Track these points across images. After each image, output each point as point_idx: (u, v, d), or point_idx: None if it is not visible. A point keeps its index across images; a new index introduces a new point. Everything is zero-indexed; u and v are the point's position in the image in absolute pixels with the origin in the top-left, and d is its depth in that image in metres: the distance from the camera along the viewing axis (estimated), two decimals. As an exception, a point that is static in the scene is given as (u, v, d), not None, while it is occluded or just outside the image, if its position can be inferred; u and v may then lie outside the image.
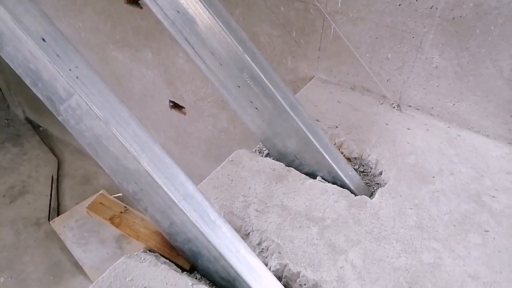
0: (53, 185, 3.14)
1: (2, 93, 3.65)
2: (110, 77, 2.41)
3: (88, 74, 0.77)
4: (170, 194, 0.79)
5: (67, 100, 0.79)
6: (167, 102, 2.25)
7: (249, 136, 1.99)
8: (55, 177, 3.23)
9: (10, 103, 3.72)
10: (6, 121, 3.70)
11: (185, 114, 2.22)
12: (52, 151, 3.48)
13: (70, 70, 0.76)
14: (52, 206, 2.99)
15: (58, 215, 2.94)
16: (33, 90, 0.85)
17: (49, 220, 2.88)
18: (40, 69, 0.78)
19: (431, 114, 1.31)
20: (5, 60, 0.85)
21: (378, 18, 1.23)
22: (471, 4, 1.06)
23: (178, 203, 0.79)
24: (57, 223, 2.82)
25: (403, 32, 1.21)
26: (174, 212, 0.81)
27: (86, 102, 0.76)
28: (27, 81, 0.84)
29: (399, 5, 1.17)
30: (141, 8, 1.90)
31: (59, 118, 0.86)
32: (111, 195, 3.10)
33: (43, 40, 0.75)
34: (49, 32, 0.76)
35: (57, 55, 0.76)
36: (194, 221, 0.79)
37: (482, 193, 1.06)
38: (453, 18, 1.11)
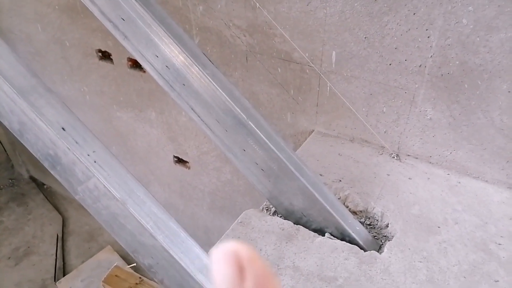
0: (58, 244, 3.13)
1: (7, 154, 3.71)
2: (114, 136, 2.47)
3: (105, 157, 0.82)
4: (186, 268, 0.81)
5: (85, 182, 0.83)
6: (171, 158, 2.30)
7: (253, 187, 2.02)
8: (60, 235, 3.22)
9: (15, 162, 3.77)
10: (10, 180, 3.74)
11: (189, 168, 2.27)
12: (57, 208, 3.49)
13: (88, 155, 0.81)
14: (57, 266, 2.96)
15: (64, 275, 2.90)
16: (51, 172, 0.90)
17: (55, 281, 2.84)
18: (60, 155, 0.83)
19: (430, 162, 1.36)
20: (25, 145, 0.90)
21: (371, 76, 1.30)
22: (457, 62, 1.13)
23: (194, 276, 0.81)
24: (63, 284, 2.78)
25: (396, 88, 1.28)
26: (191, 285, 0.83)
27: (104, 185, 0.80)
28: (46, 164, 0.89)
29: (390, 64, 1.25)
30: (144, 72, 2.00)
31: (76, 197, 0.90)
32: (116, 250, 3.08)
33: (63, 129, 0.81)
34: (68, 121, 0.82)
35: (76, 142, 0.81)
36: (211, 294, 0.81)
37: (488, 240, 1.09)
38: (442, 75, 1.18)
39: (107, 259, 2.99)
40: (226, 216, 2.32)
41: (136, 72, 2.03)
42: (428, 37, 1.14)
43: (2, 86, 0.81)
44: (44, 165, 0.89)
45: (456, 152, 1.29)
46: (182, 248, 0.82)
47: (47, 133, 0.80)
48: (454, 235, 1.10)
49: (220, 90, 1.08)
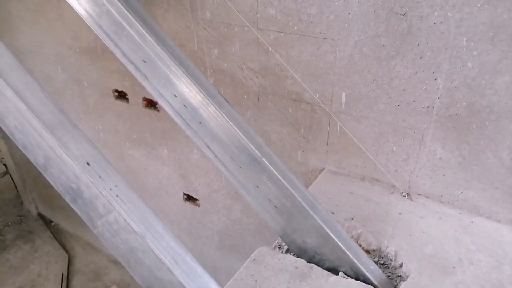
0: (63, 283, 3.08)
1: (17, 191, 3.74)
2: (125, 172, 2.51)
3: (126, 192, 0.85)
4: (202, 304, 0.81)
5: (105, 216, 0.86)
6: (181, 195, 2.31)
7: (263, 226, 2.02)
8: (65, 274, 3.18)
9: (24, 199, 3.80)
10: (18, 217, 3.75)
11: (199, 206, 2.27)
12: (63, 246, 3.46)
13: (110, 189, 0.84)
14: (61, 306, 2.90)
15: (67, 316, 2.84)
16: (71, 205, 0.92)
17: (57, 322, 2.77)
18: (82, 188, 0.86)
19: (442, 202, 1.36)
20: (47, 179, 0.93)
21: (380, 116, 1.35)
22: (464, 104, 1.17)
23: (210, 313, 0.81)
24: (65, 325, 2.70)
25: (405, 128, 1.32)
26: (206, 322, 0.82)
27: (124, 218, 0.82)
28: (67, 198, 0.92)
29: (398, 105, 1.29)
30: (158, 111, 2.06)
31: (94, 231, 0.92)
32: (122, 290, 3.02)
33: (88, 164, 0.84)
34: (93, 156, 0.86)
35: (100, 176, 0.84)
36: (226, 332, 0.80)
37: (504, 282, 1.07)
38: (449, 115, 1.22)
39: (112, 299, 2.93)
40: (235, 255, 2.29)
41: (150, 111, 2.10)
42: (435, 79, 1.19)
43: (31, 121, 0.86)
44: (65, 199, 0.92)
45: (468, 191, 1.30)
46: (199, 284, 0.82)
47: (72, 167, 0.84)
48: (470, 276, 1.09)
49: (236, 128, 1.12)
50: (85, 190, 0.85)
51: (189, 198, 2.30)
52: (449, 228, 1.26)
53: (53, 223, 3.75)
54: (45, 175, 0.93)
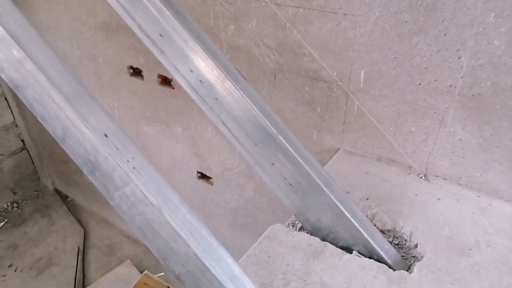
0: (79, 256, 3.17)
1: (34, 166, 3.82)
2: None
3: (143, 164, 0.85)
4: (217, 276, 0.82)
5: (122, 188, 0.86)
6: (195, 173, 2.33)
7: (276, 205, 2.02)
8: (81, 248, 3.26)
9: (41, 175, 3.88)
10: (35, 192, 3.84)
11: (212, 184, 2.29)
12: (79, 221, 3.55)
13: (128, 161, 0.84)
14: (77, 279, 2.99)
15: (83, 287, 2.92)
16: (89, 177, 0.93)
17: (74, 293, 2.87)
18: (100, 160, 0.86)
19: (460, 184, 1.34)
20: (66, 151, 0.94)
21: (400, 95, 1.31)
22: (488, 83, 1.14)
23: (225, 285, 0.82)
24: (82, 297, 2.79)
25: (425, 108, 1.29)
26: (221, 294, 0.83)
27: (141, 191, 0.82)
28: (85, 170, 0.92)
29: (419, 84, 1.26)
30: (173, 88, 2.06)
31: (111, 203, 0.92)
32: (135, 265, 3.09)
33: (105, 135, 0.84)
34: (110, 128, 0.86)
35: (117, 148, 0.84)
36: (241, 304, 0.81)
37: (522, 265, 1.06)
38: (472, 95, 1.18)
39: (126, 273, 3.00)
40: (247, 234, 2.31)
41: (165, 89, 2.09)
42: (459, 57, 1.15)
43: (50, 93, 0.86)
44: (83, 170, 0.93)
45: (487, 173, 1.27)
46: (214, 257, 0.83)
47: (90, 138, 0.84)
48: (487, 258, 1.08)
49: (252, 105, 1.11)
50: (102, 162, 0.85)
51: (203, 176, 2.32)
52: (467, 210, 1.24)
53: (69, 199, 3.83)
54: (63, 147, 0.93)
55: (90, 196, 3.51)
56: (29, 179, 3.85)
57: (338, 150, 1.58)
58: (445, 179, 1.37)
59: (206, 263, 0.82)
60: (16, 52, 0.85)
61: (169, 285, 0.95)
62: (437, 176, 1.38)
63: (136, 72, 2.20)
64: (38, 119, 0.94)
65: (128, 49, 2.12)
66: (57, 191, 3.89)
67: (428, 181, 1.37)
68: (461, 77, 1.17)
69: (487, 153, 1.24)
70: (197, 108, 2.02)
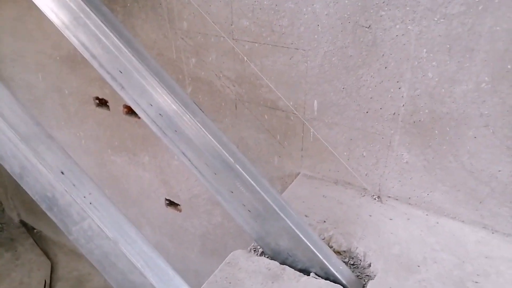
0: (45, 290, 3.07)
1: (-1, 198, 3.71)
2: (107, 179, 2.52)
3: (100, 199, 0.88)
4: (174, 306, 0.85)
5: (80, 223, 0.89)
6: (163, 200, 2.34)
7: (243, 231, 2.06)
8: (48, 281, 3.16)
9: (6, 207, 3.77)
10: (0, 225, 3.71)
11: (180, 211, 2.30)
12: (46, 253, 3.44)
13: (84, 197, 0.87)
14: (43, 314, 2.89)
15: (49, 323, 2.82)
16: (48, 213, 0.95)
17: (39, 330, 2.76)
18: (57, 197, 0.89)
19: (410, 204, 1.43)
20: (23, 187, 0.96)
21: (350, 123, 1.41)
22: (427, 111, 1.24)
23: (181, 314, 0.85)
24: (48, 333, 2.69)
25: (373, 134, 1.38)
26: (178, 323, 0.86)
27: (97, 225, 0.86)
28: (43, 206, 0.95)
29: (367, 112, 1.35)
30: (139, 118, 2.09)
31: (70, 237, 0.95)
32: (105, 297, 3.02)
33: (62, 173, 0.87)
34: (67, 165, 0.89)
35: (74, 185, 0.87)
36: (196, 331, 0.84)
37: (465, 279, 1.14)
38: (414, 122, 1.28)
39: (95, 306, 2.93)
40: (217, 259, 2.32)
41: (131, 118, 2.13)
42: (399, 88, 1.26)
43: (6, 132, 0.89)
44: (41, 207, 0.95)
45: (433, 193, 1.36)
46: (171, 285, 0.86)
47: (47, 176, 0.87)
48: (433, 274, 1.15)
49: (210, 136, 1.17)
50: (59, 198, 0.88)
51: (171, 203, 2.33)
52: (416, 228, 1.32)
53: (35, 230, 3.72)
54: (21, 184, 0.95)
55: (58, 227, 3.42)
56: (-7, 211, 3.73)
57: (298, 174, 1.65)
58: (396, 199, 1.45)
59: (162, 293, 0.85)
60: (-28, 94, 0.88)
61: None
62: (389, 197, 1.47)
63: (102, 103, 2.23)
64: (-4, 157, 0.96)
65: (93, 80, 2.15)
66: (23, 223, 3.78)
67: (381, 202, 1.46)
68: (403, 105, 1.28)
69: (431, 175, 1.33)
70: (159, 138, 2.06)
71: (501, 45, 1.05)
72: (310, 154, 1.57)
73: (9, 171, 0.95)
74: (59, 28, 1.22)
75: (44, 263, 3.34)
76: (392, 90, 1.27)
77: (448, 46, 1.12)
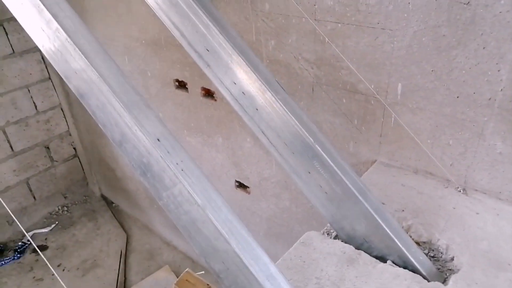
0: (121, 259, 3.32)
1: (84, 173, 4.08)
2: (182, 159, 2.65)
3: (191, 166, 0.93)
4: (255, 274, 0.87)
5: (171, 188, 0.94)
6: (233, 182, 2.41)
7: (311, 216, 2.05)
8: (123, 251, 3.42)
9: (89, 181, 4.13)
10: (84, 197, 4.08)
11: (249, 193, 2.35)
12: (122, 226, 3.73)
13: (177, 164, 0.92)
14: (119, 281, 3.13)
15: (124, 289, 3.07)
16: (141, 178, 1.02)
17: (115, 294, 3.01)
18: (152, 162, 0.95)
19: (500, 199, 1.32)
20: (122, 154, 1.04)
21: (437, 108, 1.33)
22: (529, 96, 1.13)
23: (262, 283, 0.87)
24: (123, 298, 2.92)
25: (463, 121, 1.29)
26: (258, 291, 0.89)
27: (188, 191, 0.90)
28: (138, 172, 1.02)
29: (457, 97, 1.27)
30: (215, 100, 2.16)
31: (160, 203, 1.01)
32: (173, 270, 3.20)
33: (158, 140, 0.93)
34: (163, 133, 0.95)
35: (168, 152, 0.93)
36: (276, 301, 0.86)
37: None
38: (513, 108, 1.17)
39: (164, 278, 3.11)
40: (282, 243, 2.35)
41: (207, 101, 2.21)
42: (498, 70, 1.16)
43: (111, 101, 0.96)
44: (136, 172, 1.02)
45: (530, 188, 1.25)
46: (253, 255, 0.89)
47: (144, 142, 0.93)
48: (527, 274, 1.06)
49: (290, 115, 1.17)
50: (154, 164, 0.94)
51: (240, 185, 2.39)
52: (507, 225, 1.22)
53: (114, 204, 4.04)
54: (120, 151, 1.03)
55: (133, 203, 3.69)
56: (78, 184, 4.10)
57: (374, 162, 1.60)
58: (484, 193, 1.35)
59: (244, 261, 0.88)
60: (83, 64, 0.97)
61: (208, 283, 1.01)
62: (476, 190, 1.36)
63: (181, 85, 2.34)
64: (100, 125, 1.05)
65: (174, 63, 2.26)
66: (103, 197, 4.12)
67: (467, 195, 1.36)
68: (501, 90, 1.17)
69: (530, 168, 1.22)
70: (237, 120, 2.11)
71: None
72: (390, 140, 1.51)
73: (110, 138, 1.04)
74: (153, 8, 1.29)
75: (121, 235, 3.62)
76: (489, 73, 1.17)
77: (563, 23, 1.01)
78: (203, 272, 1.27)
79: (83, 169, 4.07)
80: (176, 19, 1.27)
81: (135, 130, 0.93)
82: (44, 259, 1.22)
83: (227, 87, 1.26)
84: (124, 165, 3.40)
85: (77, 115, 3.67)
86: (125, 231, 3.68)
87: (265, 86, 1.19)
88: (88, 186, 4.17)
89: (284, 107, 1.18)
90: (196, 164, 0.94)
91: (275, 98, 1.18)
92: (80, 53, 0.96)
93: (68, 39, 0.98)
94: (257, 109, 1.23)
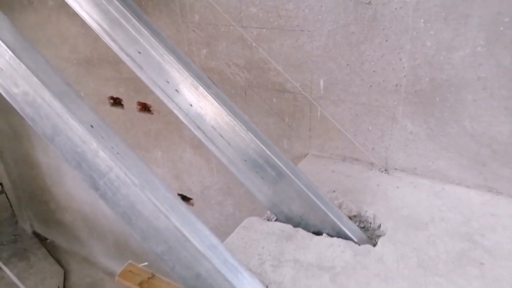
0: (58, 296, 3.09)
1: (12, 209, 3.78)
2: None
3: (125, 150, 0.96)
4: (197, 245, 0.90)
5: (107, 174, 0.96)
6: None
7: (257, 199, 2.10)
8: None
9: (19, 218, 3.83)
10: (13, 236, 3.77)
11: (193, 205, 2.36)
12: (59, 262, 3.48)
13: (112, 148, 0.94)
14: (57, 319, 2.91)
15: (63, 328, 2.83)
16: (76, 171, 1.02)
17: (53, 334, 2.77)
18: (86, 150, 0.96)
19: (416, 174, 1.48)
20: (55, 148, 1.04)
21: (355, 98, 1.48)
22: (427, 79, 1.32)
23: (204, 253, 0.90)
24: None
25: (378, 107, 1.45)
26: (200, 263, 0.92)
27: (124, 173, 0.92)
28: (72, 164, 1.02)
29: (370, 86, 1.43)
30: (152, 113, 2.18)
31: (97, 193, 1.01)
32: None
33: (91, 126, 0.95)
34: (95, 120, 0.97)
35: (102, 137, 0.95)
36: (219, 268, 0.90)
37: (472, 233, 1.18)
38: (415, 92, 1.35)
39: (108, 310, 2.94)
40: (229, 253, 2.35)
41: (144, 115, 2.22)
42: (400, 59, 1.34)
43: (41, 93, 0.97)
44: (70, 165, 1.02)
45: (438, 162, 1.42)
46: (193, 228, 0.92)
47: (77, 130, 0.94)
48: (441, 230, 1.20)
49: (223, 107, 1.24)
50: (88, 152, 0.95)
51: (184, 198, 2.39)
52: (422, 194, 1.37)
53: (48, 240, 3.77)
54: (52, 145, 1.03)
55: (70, 236, 3.48)
56: (6, 223, 3.79)
57: (306, 155, 1.72)
58: (403, 171, 1.51)
59: (186, 234, 0.91)
60: (8, 58, 0.97)
61: (152, 272, 1.01)
62: (396, 169, 1.52)
63: (117, 102, 2.33)
64: (28, 122, 1.04)
65: (108, 81, 2.25)
66: (36, 234, 3.83)
67: (389, 174, 1.51)
68: (404, 76, 1.35)
69: (435, 143, 1.39)
70: (176, 131, 2.15)
71: (493, 8, 1.14)
72: (318, 133, 1.64)
73: (40, 134, 1.03)
74: (83, 18, 1.32)
75: (57, 271, 3.38)
76: (393, 62, 1.35)
77: (444, 14, 1.21)
78: (146, 263, 1.24)
79: (11, 206, 3.77)
80: (106, 26, 1.31)
81: (67, 119, 0.94)
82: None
83: (161, 87, 1.31)
84: (59, 194, 3.22)
85: (3, 147, 3.44)
86: (62, 267, 3.44)
87: (197, 82, 1.26)
88: (18, 223, 3.86)
89: (216, 100, 1.25)
90: (130, 147, 0.97)
91: (208, 92, 1.25)
92: (6, 47, 0.96)
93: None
94: (191, 105, 1.29)
